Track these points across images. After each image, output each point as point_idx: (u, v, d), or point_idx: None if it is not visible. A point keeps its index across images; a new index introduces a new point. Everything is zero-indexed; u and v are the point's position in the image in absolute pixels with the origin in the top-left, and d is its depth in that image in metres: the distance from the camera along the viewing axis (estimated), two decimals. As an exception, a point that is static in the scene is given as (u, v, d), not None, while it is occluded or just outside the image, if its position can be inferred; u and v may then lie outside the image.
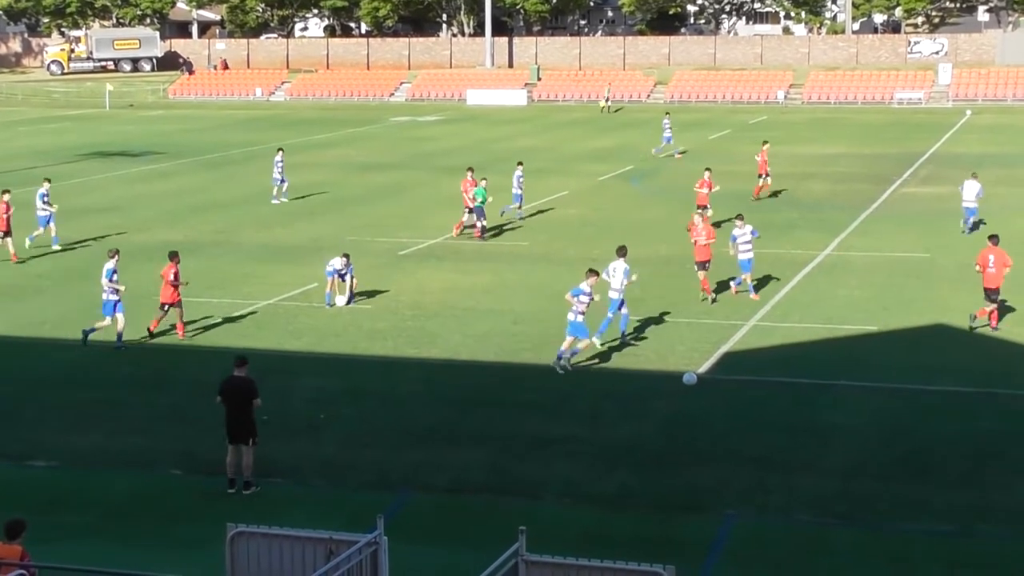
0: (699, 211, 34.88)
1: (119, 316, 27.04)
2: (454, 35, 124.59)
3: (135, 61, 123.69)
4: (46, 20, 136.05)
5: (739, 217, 31.74)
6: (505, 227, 41.09)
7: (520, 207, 42.50)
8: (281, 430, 21.52)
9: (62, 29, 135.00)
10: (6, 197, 36.16)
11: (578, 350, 25.41)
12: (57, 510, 18.79)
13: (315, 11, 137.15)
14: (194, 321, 28.82)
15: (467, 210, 39.43)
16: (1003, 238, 28.87)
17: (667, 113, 65.26)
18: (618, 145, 66.72)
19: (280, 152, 47.66)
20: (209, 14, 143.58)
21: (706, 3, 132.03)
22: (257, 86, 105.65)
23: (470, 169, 40.60)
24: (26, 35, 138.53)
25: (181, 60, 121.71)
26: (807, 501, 19.03)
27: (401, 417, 22.95)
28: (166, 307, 27.48)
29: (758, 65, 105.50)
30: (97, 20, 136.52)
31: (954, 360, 26.17)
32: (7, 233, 35.96)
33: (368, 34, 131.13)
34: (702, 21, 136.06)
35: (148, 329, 27.77)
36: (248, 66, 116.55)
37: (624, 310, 26.96)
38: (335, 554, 12.95)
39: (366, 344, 27.56)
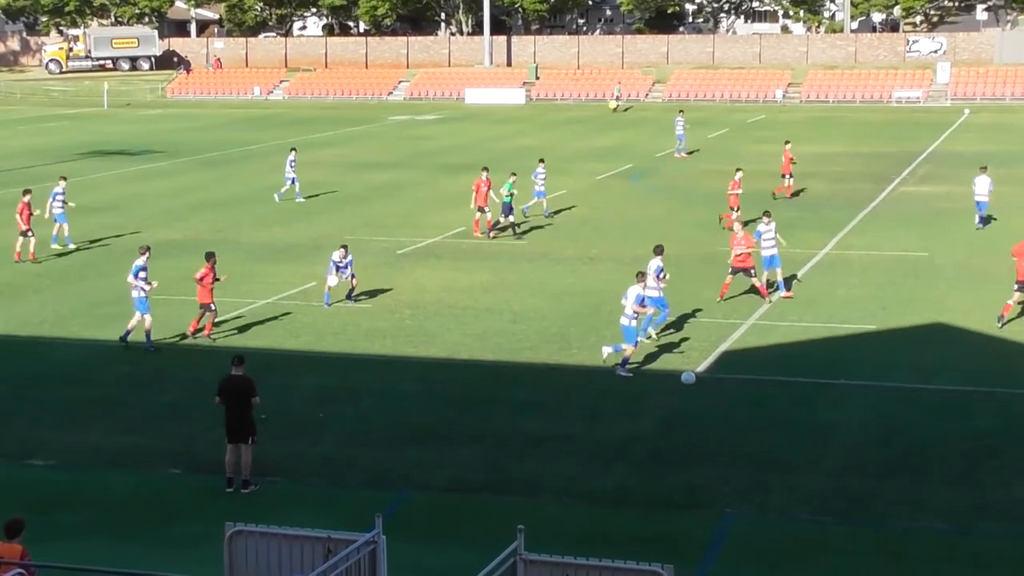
0: (735, 214, 34.84)
1: (147, 316, 26.75)
2: (452, 34, 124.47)
3: (133, 60, 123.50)
4: (44, 19, 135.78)
5: (766, 214, 31.84)
6: (535, 226, 40.88)
7: (544, 204, 42.30)
8: (280, 429, 21.52)
9: (60, 28, 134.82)
10: (26, 197, 36.18)
11: (622, 350, 25.05)
12: (56, 509, 18.80)
13: (313, 10, 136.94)
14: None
15: (478, 209, 39.10)
16: (1002, 236, 28.92)
17: (680, 111, 64.02)
18: (617, 144, 66.70)
19: (293, 152, 47.67)
20: (208, 13, 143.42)
21: (704, 2, 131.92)
22: (255, 85, 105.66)
23: (485, 168, 40.08)
24: (24, 34, 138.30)
25: (176, 59, 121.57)
26: (805, 499, 19.04)
27: (400, 416, 22.95)
28: (211, 306, 27.22)
29: (756, 64, 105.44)
30: (95, 19, 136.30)
31: (952, 359, 26.17)
32: (27, 232, 35.92)
33: (366, 33, 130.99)
34: (700, 20, 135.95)
35: (188, 331, 27.58)
36: (246, 65, 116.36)
37: (665, 309, 27.32)
38: (333, 553, 12.95)
39: (365, 343, 27.56)
